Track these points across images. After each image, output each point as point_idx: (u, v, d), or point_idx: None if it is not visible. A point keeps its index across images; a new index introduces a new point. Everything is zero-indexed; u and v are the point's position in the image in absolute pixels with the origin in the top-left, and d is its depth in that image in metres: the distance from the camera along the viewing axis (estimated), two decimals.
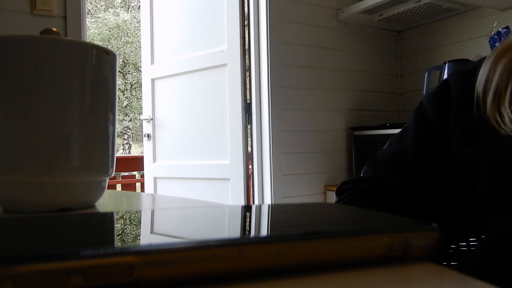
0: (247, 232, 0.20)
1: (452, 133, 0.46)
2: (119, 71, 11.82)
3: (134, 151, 12.64)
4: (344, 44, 2.33)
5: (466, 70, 0.49)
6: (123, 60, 12.26)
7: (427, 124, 0.49)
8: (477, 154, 0.42)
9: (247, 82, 2.11)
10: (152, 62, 2.47)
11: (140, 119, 3.25)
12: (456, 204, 0.48)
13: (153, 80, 2.48)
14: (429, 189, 0.47)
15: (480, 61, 0.48)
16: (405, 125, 0.54)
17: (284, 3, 2.12)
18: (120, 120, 12.08)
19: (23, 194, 0.34)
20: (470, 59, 1.87)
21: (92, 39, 11.23)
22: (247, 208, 0.27)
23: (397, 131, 2.00)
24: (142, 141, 2.67)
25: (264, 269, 0.15)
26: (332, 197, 2.20)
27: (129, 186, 3.62)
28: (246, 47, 2.11)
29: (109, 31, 12.20)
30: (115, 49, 11.70)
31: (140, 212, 0.26)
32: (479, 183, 0.42)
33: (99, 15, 12.33)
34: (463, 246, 0.50)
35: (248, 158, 2.10)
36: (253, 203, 2.16)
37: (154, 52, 2.46)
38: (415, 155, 0.49)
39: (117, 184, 3.54)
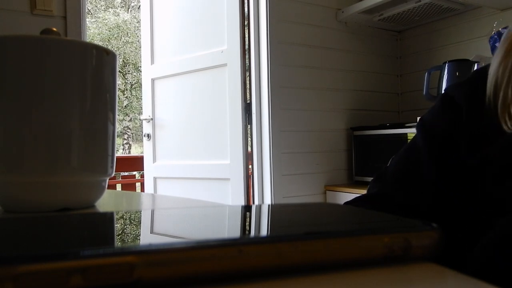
0: (247, 232, 0.20)
1: (463, 140, 0.45)
2: (119, 71, 11.81)
3: (134, 151, 12.64)
4: (344, 44, 2.33)
5: (462, 80, 0.49)
6: (123, 60, 12.26)
7: (436, 138, 0.48)
8: (486, 157, 0.42)
9: (247, 82, 2.11)
10: (152, 62, 2.47)
11: (140, 119, 3.25)
12: (456, 210, 0.47)
13: (153, 80, 2.48)
14: (434, 204, 0.46)
15: (480, 70, 0.47)
16: (409, 142, 0.53)
17: (284, 3, 2.12)
18: (120, 120, 12.08)
19: (23, 194, 0.34)
20: (470, 59, 1.87)
21: (92, 39, 11.23)
22: (247, 208, 0.27)
23: (397, 131, 2.00)
24: (142, 141, 2.67)
25: (264, 269, 0.15)
26: (332, 197, 2.20)
27: (129, 186, 3.62)
28: (246, 47, 2.11)
29: (109, 31, 12.20)
30: (115, 49, 11.70)
31: (140, 212, 0.26)
32: (486, 185, 0.42)
33: (99, 15, 12.33)
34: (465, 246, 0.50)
35: (248, 158, 2.10)
36: (253, 203, 2.16)
37: (154, 52, 2.46)
38: (427, 170, 0.47)
39: (117, 184, 3.54)
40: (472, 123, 0.45)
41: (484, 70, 0.47)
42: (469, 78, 0.48)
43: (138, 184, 3.74)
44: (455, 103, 0.47)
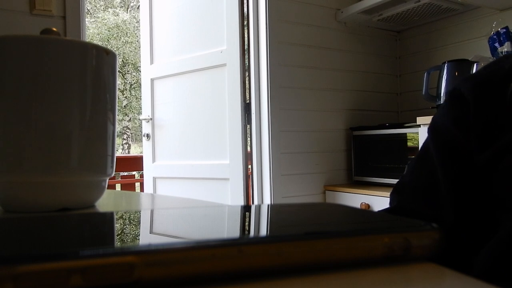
0: (247, 232, 0.20)
1: (471, 136, 0.45)
2: (119, 71, 11.80)
3: (133, 151, 12.64)
4: (344, 44, 2.33)
5: (472, 74, 0.48)
6: (122, 60, 12.26)
7: (446, 139, 0.47)
8: (496, 152, 0.41)
9: (247, 82, 2.11)
10: (152, 62, 2.47)
11: (139, 119, 3.25)
12: (459, 209, 0.47)
13: (152, 80, 2.48)
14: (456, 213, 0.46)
15: (490, 64, 0.47)
16: (421, 146, 0.52)
17: (284, 3, 2.12)
18: (119, 120, 12.08)
19: (23, 194, 0.34)
20: (469, 59, 1.87)
21: (92, 39, 11.23)
22: (246, 208, 0.27)
23: (396, 131, 2.00)
24: (141, 141, 2.67)
25: (264, 269, 0.15)
26: (331, 197, 2.20)
27: (128, 186, 3.61)
28: (246, 47, 2.11)
29: (109, 31, 12.20)
30: (115, 49, 11.69)
31: (140, 212, 0.26)
32: (494, 180, 0.42)
33: (98, 15, 12.32)
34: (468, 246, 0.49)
35: (247, 158, 2.10)
36: (253, 203, 2.16)
37: (153, 52, 2.46)
38: (442, 179, 0.47)
39: (116, 184, 3.54)
40: (481, 117, 0.44)
41: (491, 64, 0.46)
42: (478, 71, 0.47)
43: (137, 184, 3.73)
44: (462, 97, 0.47)
